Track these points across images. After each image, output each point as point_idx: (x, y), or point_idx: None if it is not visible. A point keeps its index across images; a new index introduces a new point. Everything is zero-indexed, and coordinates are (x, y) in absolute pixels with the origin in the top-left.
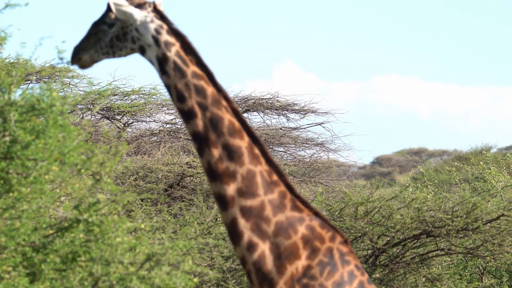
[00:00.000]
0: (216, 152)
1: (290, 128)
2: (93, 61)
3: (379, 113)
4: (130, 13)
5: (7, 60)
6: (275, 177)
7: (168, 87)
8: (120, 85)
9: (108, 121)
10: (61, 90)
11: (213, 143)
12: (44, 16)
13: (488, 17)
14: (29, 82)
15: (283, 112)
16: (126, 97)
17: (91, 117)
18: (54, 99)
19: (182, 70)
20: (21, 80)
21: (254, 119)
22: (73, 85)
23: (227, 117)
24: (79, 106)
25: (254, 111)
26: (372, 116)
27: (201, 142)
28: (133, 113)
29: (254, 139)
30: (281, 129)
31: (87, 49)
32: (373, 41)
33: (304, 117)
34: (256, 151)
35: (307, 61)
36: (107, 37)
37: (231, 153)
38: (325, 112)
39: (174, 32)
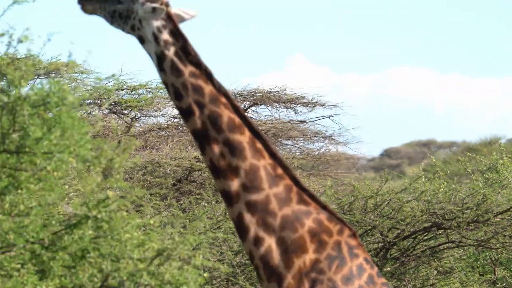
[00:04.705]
0: (217, 148)
1: (298, 121)
2: (94, 13)
3: (392, 106)
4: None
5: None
6: (279, 171)
7: (165, 84)
8: (127, 80)
9: (116, 116)
10: (70, 85)
11: (213, 140)
12: (52, 12)
13: (503, 8)
14: (36, 77)
15: (291, 105)
16: (134, 92)
17: (99, 112)
18: (65, 91)
19: (180, 69)
20: (30, 74)
21: (262, 112)
22: (80, 80)
23: (226, 114)
24: (86, 102)
25: (262, 104)
26: (385, 109)
27: (202, 140)
28: (141, 108)
29: (256, 133)
30: (289, 122)
31: (94, 2)
32: (385, 33)
33: (312, 110)
34: (259, 145)
35: (318, 54)
36: (111, 7)
37: (232, 149)
38: (333, 105)
39: (176, 32)
